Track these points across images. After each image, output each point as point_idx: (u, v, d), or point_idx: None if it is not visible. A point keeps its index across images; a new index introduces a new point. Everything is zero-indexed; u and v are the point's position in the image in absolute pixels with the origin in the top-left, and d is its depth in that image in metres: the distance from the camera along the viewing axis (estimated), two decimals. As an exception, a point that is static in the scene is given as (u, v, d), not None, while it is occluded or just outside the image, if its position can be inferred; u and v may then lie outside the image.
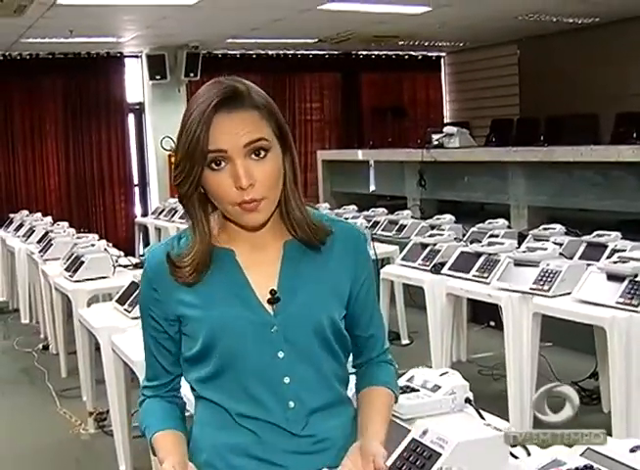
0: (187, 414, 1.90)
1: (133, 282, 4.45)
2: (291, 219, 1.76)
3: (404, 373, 2.48)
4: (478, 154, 9.15)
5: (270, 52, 13.59)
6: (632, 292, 3.99)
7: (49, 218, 8.71)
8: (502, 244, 5.22)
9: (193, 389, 1.81)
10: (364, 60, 14.51)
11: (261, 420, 1.72)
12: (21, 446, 5.05)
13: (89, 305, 5.22)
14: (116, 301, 4.56)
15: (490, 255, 5.05)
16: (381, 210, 8.34)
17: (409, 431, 2.17)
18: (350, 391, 1.92)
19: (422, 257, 5.73)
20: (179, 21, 9.94)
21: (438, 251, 5.65)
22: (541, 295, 4.42)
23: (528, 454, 2.07)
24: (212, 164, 1.65)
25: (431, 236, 5.99)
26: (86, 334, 4.89)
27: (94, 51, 12.38)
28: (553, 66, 12.11)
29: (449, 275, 5.26)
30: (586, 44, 11.63)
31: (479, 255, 5.14)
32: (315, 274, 1.77)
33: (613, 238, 5.38)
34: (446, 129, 9.98)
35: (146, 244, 10.53)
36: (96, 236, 6.75)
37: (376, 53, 14.38)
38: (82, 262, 5.65)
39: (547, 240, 5.44)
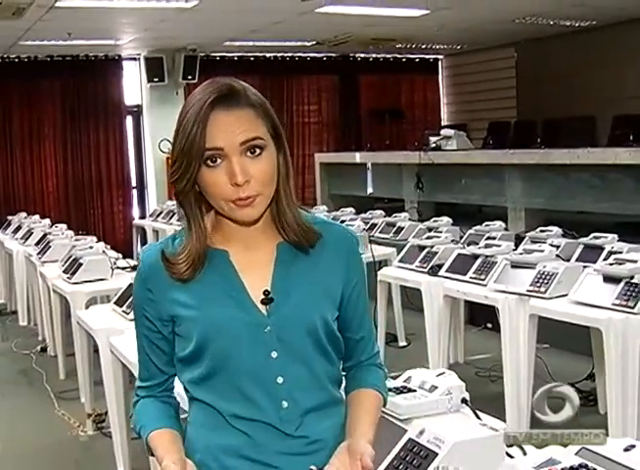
0: (182, 416, 1.91)
1: (131, 284, 4.44)
2: (282, 221, 1.77)
3: (401, 374, 2.50)
4: (475, 156, 9.16)
5: (268, 54, 13.60)
6: (628, 293, 4.01)
7: (47, 221, 8.73)
8: (499, 246, 5.23)
9: (187, 390, 1.81)
10: (362, 62, 14.54)
11: (255, 421, 1.72)
12: (19, 447, 5.06)
13: (87, 306, 5.22)
14: (115, 302, 4.57)
15: (487, 257, 5.07)
16: (378, 212, 8.36)
17: (406, 431, 2.19)
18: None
19: (419, 259, 5.75)
20: (177, 23, 9.96)
21: (436, 253, 5.67)
22: (538, 296, 4.44)
23: (524, 454, 2.08)
24: (208, 161, 1.66)
25: (428, 238, 6.01)
26: (84, 336, 4.91)
27: (92, 53, 12.40)
28: (550, 68, 12.13)
29: (446, 277, 5.28)
30: (583, 47, 11.66)
31: (476, 257, 5.16)
32: (308, 276, 1.78)
33: (609, 240, 5.40)
34: (444, 132, 9.98)
35: (144, 246, 10.53)
36: (94, 238, 6.76)
37: (374, 55, 14.41)
38: (80, 264, 5.66)
39: (544, 242, 5.46)
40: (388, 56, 14.47)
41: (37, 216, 9.11)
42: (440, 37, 12.42)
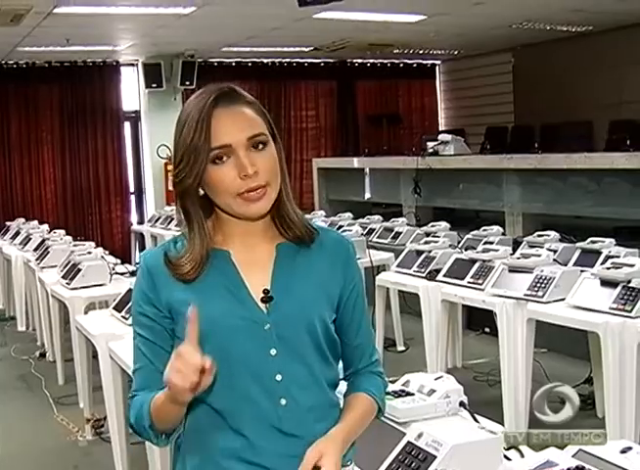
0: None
1: (130, 289, 4.47)
2: (284, 216, 1.81)
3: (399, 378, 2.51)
4: (472, 161, 9.17)
5: (266, 60, 13.61)
6: (625, 298, 4.02)
7: (45, 226, 8.73)
8: (496, 250, 5.25)
9: None
10: (359, 68, 14.55)
11: (253, 419, 1.73)
12: (18, 453, 5.06)
13: (86, 312, 5.24)
14: (113, 308, 4.58)
15: (485, 261, 5.09)
16: (376, 217, 8.38)
17: (405, 434, 2.21)
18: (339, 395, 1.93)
19: (417, 263, 5.76)
20: (175, 29, 9.97)
21: (433, 257, 5.68)
22: (535, 301, 4.46)
23: (522, 456, 2.10)
24: (215, 160, 1.70)
25: (426, 243, 6.02)
26: (83, 341, 4.92)
27: (90, 59, 12.39)
28: (547, 73, 12.15)
29: (444, 282, 5.29)
30: (580, 52, 11.69)
31: (473, 261, 5.18)
32: (307, 276, 1.81)
33: (607, 244, 5.41)
34: (441, 137, 10.00)
35: (142, 251, 10.53)
36: (92, 244, 6.77)
37: (371, 61, 14.41)
38: (79, 270, 5.67)
39: (541, 247, 5.48)
40: (386, 61, 14.48)
41: (36, 222, 9.11)
42: (438, 43, 12.44)
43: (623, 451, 1.82)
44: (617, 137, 9.02)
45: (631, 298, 4.00)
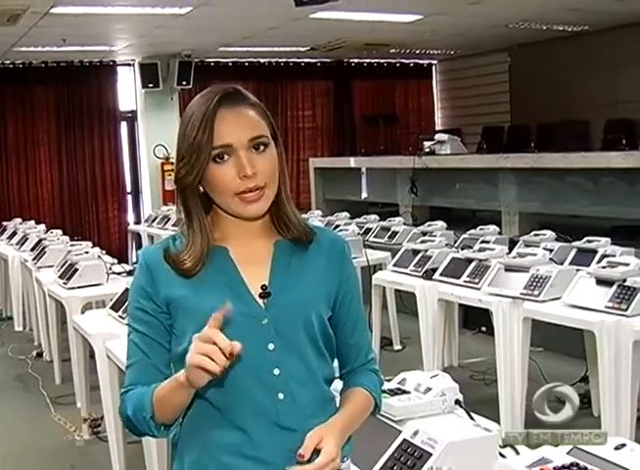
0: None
1: (127, 289, 4.47)
2: (282, 217, 1.83)
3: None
4: (469, 161, 9.18)
5: (262, 60, 13.62)
6: (621, 296, 4.04)
7: (42, 226, 8.73)
8: (493, 250, 5.27)
9: None
10: (356, 67, 14.57)
11: (251, 414, 1.74)
12: (16, 452, 5.07)
13: (83, 312, 5.24)
14: (110, 307, 4.59)
15: (481, 260, 5.10)
16: (373, 216, 8.39)
17: (400, 432, 2.22)
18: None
19: (413, 263, 5.77)
20: (172, 29, 9.97)
21: (430, 257, 5.69)
22: (531, 300, 4.47)
23: (517, 454, 2.10)
24: (216, 158, 1.73)
25: (422, 242, 6.02)
26: (80, 341, 4.92)
27: (87, 59, 12.40)
28: (544, 73, 12.16)
29: (441, 281, 5.31)
30: (576, 52, 11.70)
31: (469, 260, 5.19)
32: (304, 273, 1.83)
33: (603, 244, 5.42)
34: (438, 136, 10.01)
35: (141, 248, 10.54)
36: (89, 244, 6.77)
37: (368, 61, 14.43)
38: (76, 270, 5.68)
39: (538, 246, 5.48)
40: (382, 61, 14.50)
41: (32, 222, 9.11)
42: (434, 42, 12.45)
43: (617, 448, 1.83)
44: (613, 137, 9.04)
45: (627, 296, 4.01)
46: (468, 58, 13.85)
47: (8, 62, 11.88)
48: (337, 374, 1.95)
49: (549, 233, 6.02)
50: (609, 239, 5.51)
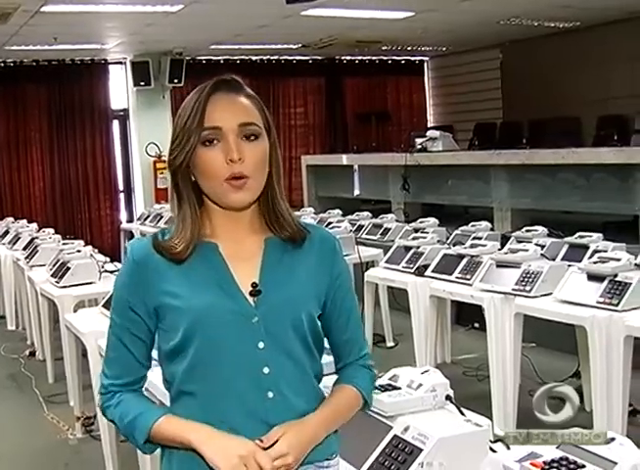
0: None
1: (119, 287, 4.46)
2: (278, 215, 1.83)
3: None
4: (461, 157, 9.19)
5: (254, 57, 13.63)
6: (612, 291, 4.05)
7: (34, 225, 8.71)
8: (484, 246, 5.28)
9: (170, 385, 1.82)
10: (348, 65, 14.58)
11: (240, 412, 1.74)
12: (9, 451, 5.06)
13: (75, 310, 5.23)
14: (102, 305, 4.58)
15: (473, 257, 5.11)
16: (365, 213, 8.40)
17: (391, 428, 2.23)
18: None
19: (405, 259, 5.78)
20: (163, 27, 9.97)
21: (422, 253, 5.70)
22: (523, 295, 4.48)
23: (508, 448, 2.11)
24: (206, 142, 1.74)
25: (414, 239, 6.03)
26: (73, 339, 4.91)
27: (78, 58, 12.39)
28: (535, 69, 12.19)
29: (433, 277, 5.31)
30: (568, 48, 11.72)
31: (461, 257, 5.20)
32: (295, 271, 1.82)
33: (594, 239, 5.45)
34: (429, 133, 10.01)
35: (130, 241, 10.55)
36: (82, 242, 6.77)
37: (359, 58, 14.45)
38: (68, 268, 5.67)
39: (530, 242, 5.50)
40: (374, 58, 14.51)
41: (25, 221, 9.10)
42: (426, 39, 12.45)
43: (607, 442, 1.84)
44: (604, 132, 9.05)
45: (618, 292, 4.02)
46: (459, 54, 13.86)
47: (-1, 60, 11.88)
48: (330, 370, 1.94)
49: (541, 229, 6.04)
50: (600, 234, 5.54)
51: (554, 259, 5.09)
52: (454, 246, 5.58)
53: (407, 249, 5.88)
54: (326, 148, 14.14)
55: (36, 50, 11.12)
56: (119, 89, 13.13)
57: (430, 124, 14.52)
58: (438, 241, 6.01)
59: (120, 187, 13.31)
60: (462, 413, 2.31)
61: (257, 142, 1.76)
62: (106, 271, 5.79)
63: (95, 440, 4.89)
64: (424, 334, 5.36)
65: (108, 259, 6.21)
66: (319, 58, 14.12)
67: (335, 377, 1.94)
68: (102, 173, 12.88)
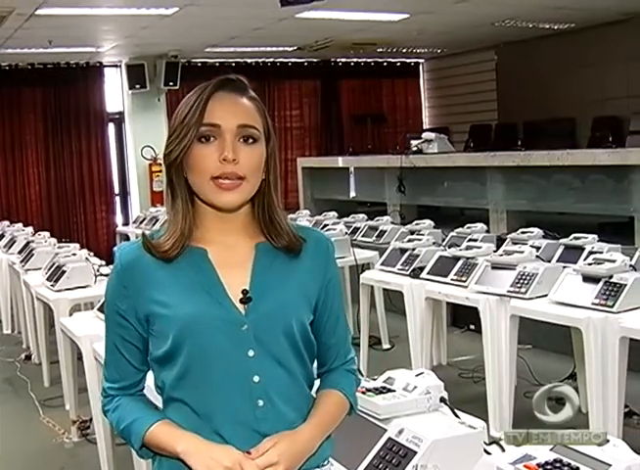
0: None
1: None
2: (275, 225, 1.80)
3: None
4: (456, 159, 9.20)
5: (249, 60, 13.62)
6: (607, 293, 4.05)
7: (30, 229, 8.71)
8: (480, 248, 5.27)
9: (161, 391, 1.81)
10: (343, 67, 14.58)
11: (230, 420, 1.72)
12: (5, 455, 5.05)
13: (71, 314, 5.22)
14: (98, 309, 4.58)
15: (468, 258, 5.11)
16: (361, 216, 8.40)
17: (385, 430, 2.22)
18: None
19: (401, 261, 5.77)
20: (158, 30, 9.97)
21: (417, 255, 5.70)
22: (518, 297, 4.48)
23: (503, 451, 2.11)
24: (202, 138, 1.72)
25: (410, 241, 6.03)
26: (68, 343, 4.91)
27: (73, 61, 12.38)
28: (531, 71, 12.20)
29: (428, 279, 5.31)
30: (563, 49, 11.73)
31: (457, 259, 5.20)
32: (287, 277, 1.80)
33: (590, 240, 5.45)
34: (425, 135, 10.02)
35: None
36: (77, 245, 6.75)
37: (355, 60, 14.45)
38: (64, 272, 5.66)
39: (525, 243, 5.50)
40: (370, 60, 14.52)
41: (20, 224, 9.09)
42: (421, 41, 12.47)
43: (600, 444, 1.84)
44: (600, 134, 9.08)
45: (613, 293, 4.03)
46: (455, 56, 13.87)
47: (-6, 64, 11.87)
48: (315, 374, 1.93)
49: (536, 231, 6.04)
50: (596, 236, 5.54)
51: (549, 261, 5.10)
52: (450, 248, 5.58)
53: (403, 251, 5.88)
54: (322, 150, 14.16)
55: (31, 53, 11.12)
56: (115, 92, 13.13)
57: (425, 126, 14.54)
58: (434, 243, 6.01)
59: (116, 190, 13.30)
60: (456, 415, 2.31)
61: (255, 146, 1.74)
62: (101, 275, 5.76)
63: (91, 443, 4.89)
64: (419, 336, 5.36)
65: (103, 263, 6.20)
66: (314, 60, 14.13)
67: (318, 382, 1.92)
68: (97, 176, 12.87)
